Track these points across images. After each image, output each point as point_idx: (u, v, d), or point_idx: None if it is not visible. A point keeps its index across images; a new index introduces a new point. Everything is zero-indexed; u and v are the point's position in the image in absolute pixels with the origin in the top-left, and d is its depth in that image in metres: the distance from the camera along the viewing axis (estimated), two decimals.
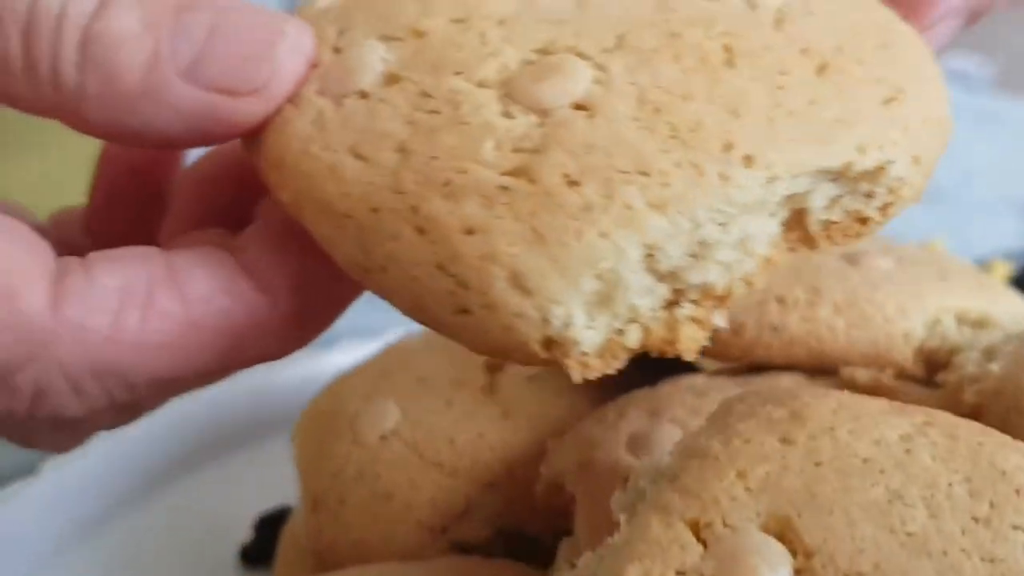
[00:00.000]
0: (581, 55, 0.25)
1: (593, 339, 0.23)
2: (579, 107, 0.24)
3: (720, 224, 0.23)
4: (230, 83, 0.25)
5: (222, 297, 0.25)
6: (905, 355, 0.37)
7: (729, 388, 0.35)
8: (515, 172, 0.23)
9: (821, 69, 0.25)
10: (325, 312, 0.27)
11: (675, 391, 0.35)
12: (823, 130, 0.24)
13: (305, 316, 0.26)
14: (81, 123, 0.25)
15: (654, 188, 0.22)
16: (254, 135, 0.26)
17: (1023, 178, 0.91)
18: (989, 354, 0.33)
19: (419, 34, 0.26)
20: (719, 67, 0.24)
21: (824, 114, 0.24)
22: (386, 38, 0.26)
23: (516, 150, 0.23)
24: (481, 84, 0.25)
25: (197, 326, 0.25)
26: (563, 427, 0.37)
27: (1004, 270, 0.63)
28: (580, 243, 0.22)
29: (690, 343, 0.24)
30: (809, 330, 0.36)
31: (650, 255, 0.23)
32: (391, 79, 0.25)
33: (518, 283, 0.22)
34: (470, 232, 0.23)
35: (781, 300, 0.37)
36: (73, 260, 0.25)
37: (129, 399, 0.26)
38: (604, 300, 0.23)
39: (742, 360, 0.37)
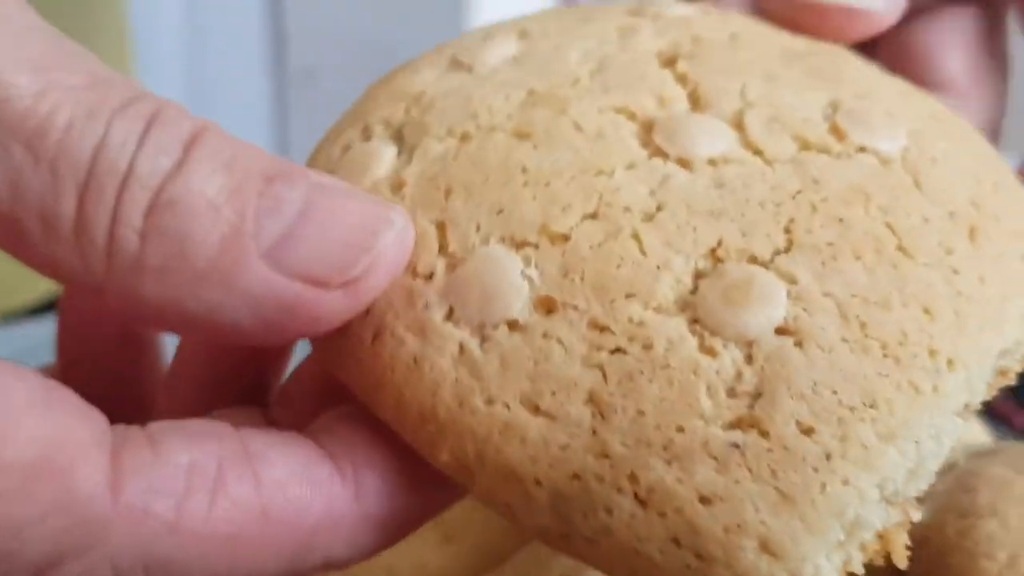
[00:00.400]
0: (756, 260, 0.22)
1: None
2: (782, 331, 0.22)
3: (934, 437, 0.22)
4: (320, 272, 0.21)
5: (299, 484, 0.21)
6: None
7: None
8: (741, 424, 0.21)
9: (972, 235, 0.24)
10: (413, 519, 0.23)
11: None
12: (996, 312, 0.23)
13: (389, 519, 0.22)
14: (131, 301, 0.21)
15: (883, 420, 0.21)
16: (328, 338, 0.22)
17: None
18: None
19: (557, 239, 0.22)
20: (896, 257, 0.23)
21: (992, 292, 0.23)
22: (515, 243, 0.22)
23: (732, 394, 0.21)
24: (660, 309, 0.22)
25: (268, 517, 0.21)
26: (504, 554, 0.37)
27: None
28: (825, 496, 0.21)
29: (901, 550, 0.23)
30: None
31: (882, 486, 0.22)
32: (546, 304, 0.22)
33: (768, 549, 0.21)
34: (707, 501, 0.21)
35: None
36: (133, 430, 0.21)
37: None
38: (844, 543, 0.22)
39: None
